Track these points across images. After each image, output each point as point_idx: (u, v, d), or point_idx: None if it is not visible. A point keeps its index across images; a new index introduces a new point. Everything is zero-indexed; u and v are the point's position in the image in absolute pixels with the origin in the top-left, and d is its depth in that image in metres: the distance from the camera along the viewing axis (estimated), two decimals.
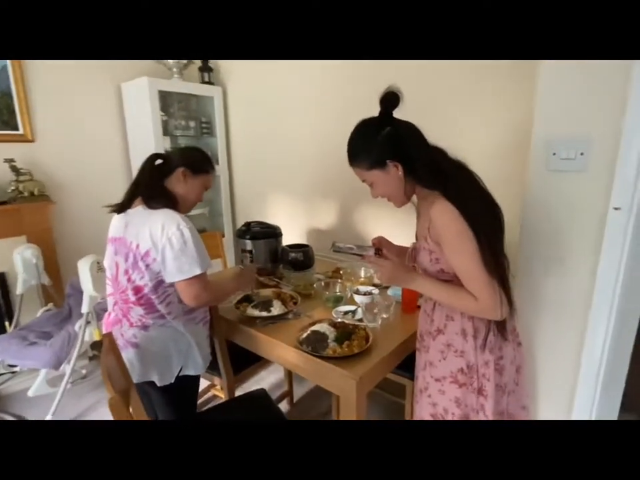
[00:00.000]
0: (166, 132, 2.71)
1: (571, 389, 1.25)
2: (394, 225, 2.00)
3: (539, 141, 1.12)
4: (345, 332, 1.32)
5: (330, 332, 1.32)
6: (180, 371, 1.31)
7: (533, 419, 1.20)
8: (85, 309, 2.00)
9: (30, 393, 2.14)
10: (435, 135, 1.02)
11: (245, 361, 1.76)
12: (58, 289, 2.39)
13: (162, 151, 2.58)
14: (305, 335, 1.33)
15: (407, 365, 1.46)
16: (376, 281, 1.81)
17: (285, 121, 2.53)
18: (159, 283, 1.23)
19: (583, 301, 1.16)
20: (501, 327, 1.02)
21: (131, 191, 1.29)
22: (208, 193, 3.05)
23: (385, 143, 0.99)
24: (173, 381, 1.30)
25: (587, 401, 1.20)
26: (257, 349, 1.46)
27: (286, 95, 2.47)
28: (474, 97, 1.70)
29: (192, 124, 2.86)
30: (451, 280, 1.01)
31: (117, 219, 1.32)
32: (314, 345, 1.27)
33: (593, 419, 1.21)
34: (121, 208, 1.29)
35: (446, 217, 0.94)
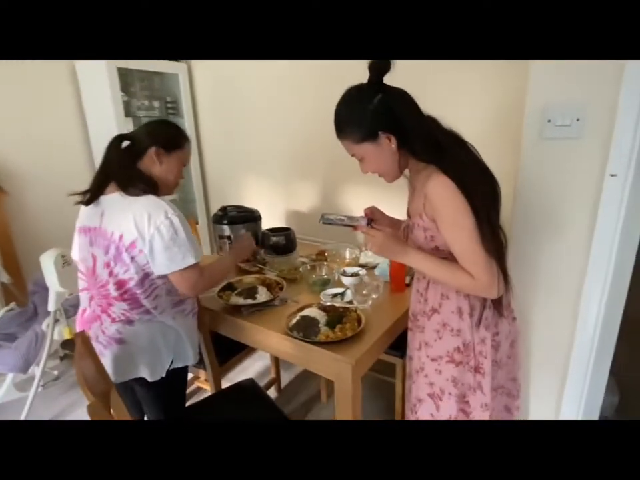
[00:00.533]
0: (128, 113, 2.52)
1: (564, 361, 1.27)
2: (383, 202, 1.95)
3: (533, 109, 1.09)
4: (335, 315, 1.28)
5: (320, 316, 1.27)
6: (170, 364, 1.24)
7: (522, 390, 1.21)
8: (51, 306, 1.86)
9: None
10: (421, 106, 0.95)
11: (229, 351, 1.70)
12: (20, 286, 2.22)
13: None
14: (294, 320, 1.28)
15: (397, 344, 1.45)
16: (362, 260, 1.77)
17: (258, 97, 2.40)
18: (145, 276, 1.14)
19: (577, 271, 1.16)
20: (497, 303, 1.00)
21: (99, 178, 1.17)
22: None
23: (376, 113, 0.91)
24: (164, 375, 1.22)
25: (579, 372, 1.22)
26: (243, 338, 1.40)
27: (257, 69, 2.34)
28: (463, 65, 1.62)
29: (156, 104, 2.67)
30: (446, 257, 0.97)
31: (88, 206, 1.20)
32: (305, 330, 1.22)
33: (586, 388, 1.23)
34: (92, 197, 1.16)
35: (442, 191, 0.89)
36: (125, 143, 1.19)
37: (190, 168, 2.80)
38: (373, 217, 1.19)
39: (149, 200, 1.11)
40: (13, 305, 2.17)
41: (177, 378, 1.30)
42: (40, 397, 1.99)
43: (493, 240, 0.90)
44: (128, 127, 2.56)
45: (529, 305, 1.29)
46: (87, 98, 2.50)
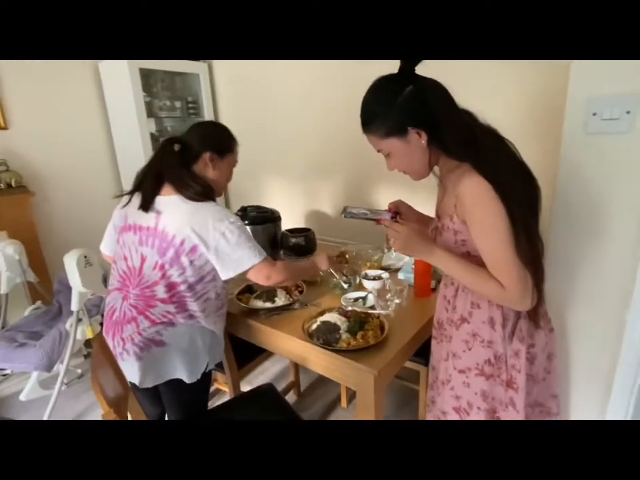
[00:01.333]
0: (150, 113, 2.54)
1: (607, 377, 1.17)
2: (409, 202, 1.88)
3: (575, 101, 1.00)
4: (357, 321, 1.22)
5: (341, 322, 1.22)
6: (206, 367, 1.24)
7: (564, 408, 1.12)
8: (74, 306, 1.87)
9: (22, 397, 2.03)
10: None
11: (248, 354, 1.67)
12: (46, 286, 2.26)
13: (148, 134, 2.44)
14: (314, 326, 1.23)
15: (421, 351, 1.38)
16: (385, 263, 1.71)
17: (279, 96, 2.37)
18: (199, 280, 1.16)
19: (623, 282, 1.06)
20: (533, 314, 0.92)
21: (153, 181, 1.16)
22: None
23: (405, 106, 0.84)
24: (199, 377, 1.23)
25: (625, 389, 1.12)
26: (262, 342, 1.36)
27: (278, 67, 2.30)
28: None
29: (177, 104, 2.68)
30: (478, 264, 0.89)
31: (134, 203, 1.19)
32: (325, 336, 1.17)
33: (631, 409, 1.13)
34: (147, 201, 1.15)
35: (476, 193, 0.82)
36: (177, 147, 1.20)
37: None
38: (398, 210, 1.12)
39: (210, 207, 1.13)
40: (38, 303, 2.22)
41: (205, 380, 1.29)
42: (64, 394, 2.02)
43: (529, 249, 0.82)
44: (150, 127, 2.58)
45: (569, 314, 1.19)
46: (110, 98, 2.52)
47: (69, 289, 1.93)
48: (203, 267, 1.14)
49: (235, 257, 1.13)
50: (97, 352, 0.99)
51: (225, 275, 1.15)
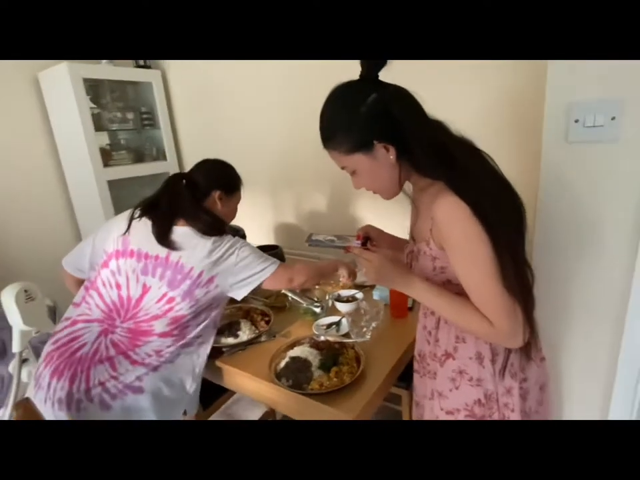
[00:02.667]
0: (100, 126, 2.34)
1: (603, 406, 1.09)
2: (383, 213, 1.75)
3: (555, 107, 0.90)
4: (330, 355, 1.11)
5: (313, 356, 1.10)
6: (184, 412, 1.17)
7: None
8: (16, 347, 1.66)
9: None
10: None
11: (215, 392, 1.51)
12: None
13: (97, 148, 2.24)
14: (282, 363, 1.10)
15: (402, 375, 1.27)
16: (358, 279, 1.59)
17: (238, 105, 2.22)
18: (206, 309, 1.12)
19: (616, 301, 0.97)
20: (525, 346, 0.81)
21: (167, 214, 1.13)
22: None
23: (370, 117, 0.73)
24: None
25: (621, 414, 1.05)
26: (226, 383, 1.22)
27: (236, 73, 2.16)
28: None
29: (130, 115, 2.48)
30: (461, 293, 0.78)
31: (139, 229, 1.13)
32: (295, 376, 1.04)
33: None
34: (164, 233, 1.11)
35: (453, 216, 0.71)
36: (184, 182, 1.20)
37: None
38: (369, 236, 1.01)
39: (221, 240, 1.11)
40: None
41: None
42: None
43: (518, 278, 0.72)
44: (101, 141, 2.38)
45: (559, 337, 1.11)
46: (53, 111, 2.30)
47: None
48: (216, 296, 1.11)
49: (254, 271, 1.11)
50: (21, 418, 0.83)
51: (244, 293, 1.12)
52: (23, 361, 1.72)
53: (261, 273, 1.11)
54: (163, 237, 1.09)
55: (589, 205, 0.95)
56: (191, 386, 1.11)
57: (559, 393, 1.14)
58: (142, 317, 1.08)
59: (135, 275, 1.10)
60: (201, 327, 1.12)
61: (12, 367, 1.72)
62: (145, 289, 1.09)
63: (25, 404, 0.88)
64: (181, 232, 1.11)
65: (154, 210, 1.15)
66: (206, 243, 1.09)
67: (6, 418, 1.68)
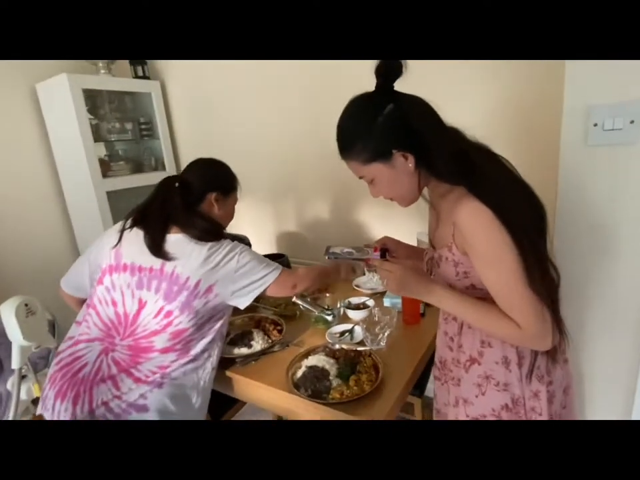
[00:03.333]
0: (98, 137, 2.31)
1: (625, 410, 1.08)
2: (386, 220, 1.75)
3: (573, 110, 0.91)
4: (347, 363, 1.09)
5: (330, 365, 1.08)
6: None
7: None
8: (15, 363, 1.60)
9: None
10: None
11: (225, 403, 1.48)
12: None
13: (96, 159, 2.21)
14: (299, 373, 1.08)
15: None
16: (367, 285, 1.59)
17: (238, 114, 2.22)
18: (208, 319, 1.07)
19: (637, 303, 0.97)
20: (553, 349, 0.81)
21: (160, 221, 1.08)
22: None
23: (388, 127, 0.74)
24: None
25: None
26: (240, 394, 1.19)
27: (236, 81, 2.16)
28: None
29: (129, 126, 2.47)
30: (485, 298, 0.78)
31: (131, 241, 1.08)
32: (314, 386, 1.02)
33: None
34: (158, 242, 1.05)
35: (476, 221, 0.71)
36: (176, 185, 1.13)
37: None
38: (387, 247, 1.01)
39: (218, 245, 1.06)
40: None
41: None
42: None
43: (543, 279, 0.72)
44: (99, 152, 2.36)
45: (580, 339, 1.10)
46: (51, 123, 2.28)
47: (10, 341, 1.68)
48: (216, 306, 1.06)
49: (256, 277, 1.08)
50: None
51: (247, 301, 1.09)
52: (22, 378, 1.67)
53: (264, 279, 1.07)
54: (156, 247, 1.04)
55: (609, 208, 0.95)
56: (197, 400, 1.06)
57: (581, 396, 1.14)
58: (140, 334, 1.03)
59: (130, 290, 1.05)
60: (206, 340, 1.06)
61: (10, 383, 1.67)
62: (141, 304, 1.04)
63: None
64: (175, 240, 1.06)
65: (145, 219, 1.10)
66: (201, 249, 1.04)
67: None
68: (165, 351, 1.02)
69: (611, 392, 1.11)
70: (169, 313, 1.02)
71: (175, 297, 1.01)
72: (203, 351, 1.06)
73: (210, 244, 1.05)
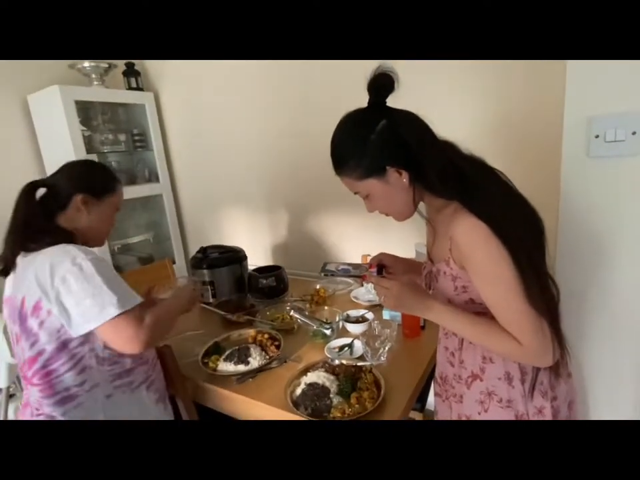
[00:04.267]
0: (91, 149, 2.28)
1: (630, 417, 1.06)
2: (389, 230, 1.72)
3: (574, 121, 0.91)
4: (348, 380, 1.05)
5: (330, 382, 1.05)
6: None
7: None
8: (3, 382, 1.57)
9: None
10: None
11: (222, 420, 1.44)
12: None
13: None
14: (298, 390, 1.05)
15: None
16: (365, 297, 1.56)
17: (232, 125, 2.21)
18: (62, 345, 0.89)
19: (635, 316, 0.96)
20: (555, 364, 0.80)
21: (10, 240, 0.96)
22: (151, 216, 2.66)
23: (381, 143, 0.74)
24: None
25: None
26: (236, 413, 1.15)
27: (229, 96, 2.15)
28: (466, 66, 1.39)
29: (122, 137, 2.44)
30: (484, 312, 0.77)
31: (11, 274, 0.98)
32: (314, 404, 0.99)
33: None
34: (6, 265, 0.96)
35: (473, 237, 0.70)
36: (41, 192, 1.00)
37: (163, 204, 2.57)
38: (383, 264, 0.99)
39: (53, 249, 0.90)
40: None
41: None
42: None
43: (542, 294, 0.71)
44: None
45: (583, 351, 1.09)
46: (42, 135, 2.25)
47: None
48: (60, 328, 0.88)
49: (80, 310, 0.85)
50: None
51: (74, 332, 0.87)
52: (10, 397, 1.62)
53: (94, 315, 0.85)
54: (5, 272, 0.95)
55: (611, 220, 0.95)
56: None
57: (585, 410, 1.12)
58: (20, 363, 0.95)
59: (8, 324, 0.96)
60: (75, 371, 0.90)
61: None
62: (13, 335, 0.94)
63: None
64: (19, 259, 0.94)
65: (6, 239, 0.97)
66: (30, 261, 0.90)
67: None
68: (30, 383, 0.92)
69: (614, 403, 1.09)
70: (18, 339, 0.92)
71: (15, 321, 0.92)
72: (80, 384, 0.93)
73: (36, 253, 0.90)
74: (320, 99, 1.75)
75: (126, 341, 0.87)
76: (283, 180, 2.11)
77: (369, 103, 0.77)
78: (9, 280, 0.98)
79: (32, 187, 0.99)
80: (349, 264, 0.97)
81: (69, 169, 1.06)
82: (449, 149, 0.77)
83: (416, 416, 1.43)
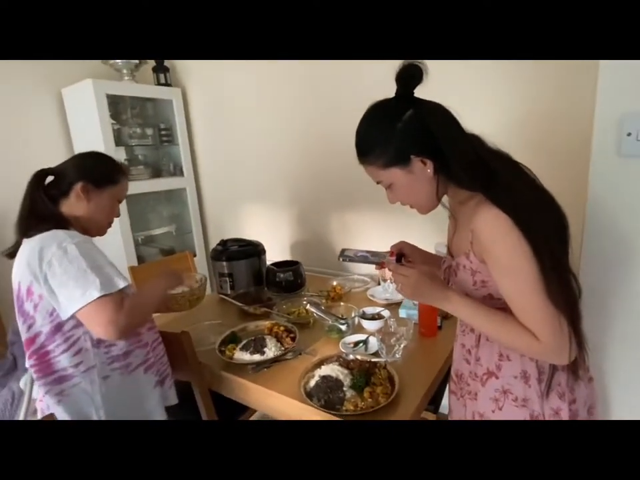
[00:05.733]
0: (119, 142, 2.36)
1: None
2: (410, 229, 1.70)
3: (605, 119, 0.89)
4: (362, 374, 1.05)
5: (344, 375, 1.05)
6: None
7: None
8: (29, 362, 1.63)
9: None
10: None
11: (236, 410, 1.46)
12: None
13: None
14: (312, 382, 1.06)
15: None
16: (382, 296, 1.56)
17: (256, 122, 2.24)
18: (56, 328, 0.93)
19: None
20: (572, 364, 0.77)
21: (18, 226, 1.00)
22: (174, 209, 2.71)
23: (407, 132, 0.74)
24: None
25: None
26: (250, 402, 1.17)
27: (255, 92, 2.18)
28: (494, 64, 1.37)
29: (149, 131, 2.51)
30: (503, 308, 0.76)
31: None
32: (327, 396, 1.00)
33: None
34: (15, 250, 1.00)
35: (494, 228, 0.69)
36: (49, 179, 1.03)
37: (186, 197, 2.62)
38: (403, 252, 0.99)
39: (45, 234, 0.93)
40: None
41: None
42: None
43: (562, 290, 0.69)
44: (119, 156, 2.39)
45: (608, 360, 1.06)
46: (75, 127, 2.34)
47: None
48: (53, 311, 0.92)
49: (64, 292, 0.88)
50: None
51: (63, 314, 0.91)
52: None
53: (77, 298, 0.88)
54: (11, 254, 0.99)
55: None
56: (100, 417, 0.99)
57: (605, 414, 1.08)
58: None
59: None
60: (70, 352, 0.94)
61: (23, 382, 1.68)
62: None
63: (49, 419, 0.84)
64: (23, 242, 0.98)
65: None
66: (24, 247, 0.95)
67: None
68: (31, 366, 0.98)
69: (637, 409, 1.05)
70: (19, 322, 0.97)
71: (15, 305, 0.97)
72: (76, 365, 0.96)
73: (30, 239, 0.94)
74: (343, 100, 1.75)
75: (106, 325, 0.88)
76: (305, 179, 2.12)
77: (396, 93, 0.76)
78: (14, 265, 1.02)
79: (41, 174, 1.02)
80: (368, 251, 0.97)
81: (77, 158, 1.10)
82: (475, 141, 0.76)
83: (429, 417, 1.41)
